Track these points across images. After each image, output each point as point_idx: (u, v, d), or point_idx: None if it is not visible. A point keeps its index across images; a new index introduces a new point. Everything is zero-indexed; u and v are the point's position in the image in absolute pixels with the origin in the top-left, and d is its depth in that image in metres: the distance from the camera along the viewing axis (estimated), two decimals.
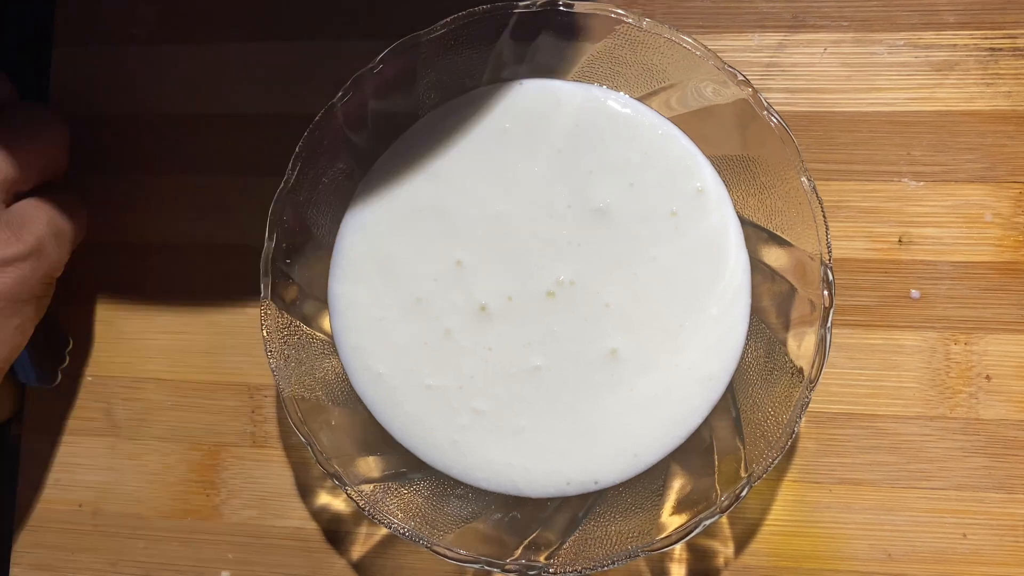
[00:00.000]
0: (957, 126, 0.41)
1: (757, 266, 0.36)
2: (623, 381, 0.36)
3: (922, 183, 0.41)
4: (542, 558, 0.35)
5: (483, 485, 0.36)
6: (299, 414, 0.36)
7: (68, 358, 0.44)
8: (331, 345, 0.38)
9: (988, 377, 0.39)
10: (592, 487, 0.36)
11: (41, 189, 0.39)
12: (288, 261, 0.37)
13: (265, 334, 0.36)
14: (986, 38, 0.41)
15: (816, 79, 0.42)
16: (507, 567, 0.34)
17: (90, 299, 0.45)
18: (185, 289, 0.44)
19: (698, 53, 0.35)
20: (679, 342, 0.36)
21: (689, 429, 0.36)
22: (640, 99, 0.37)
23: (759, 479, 0.34)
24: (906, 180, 0.41)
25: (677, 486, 0.36)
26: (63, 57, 0.47)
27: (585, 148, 0.37)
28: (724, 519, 0.40)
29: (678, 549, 0.40)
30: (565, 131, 0.37)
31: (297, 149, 0.37)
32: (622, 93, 0.37)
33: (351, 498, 0.35)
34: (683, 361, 0.36)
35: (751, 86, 0.35)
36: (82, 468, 0.44)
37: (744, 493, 0.34)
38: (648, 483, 0.36)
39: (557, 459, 0.36)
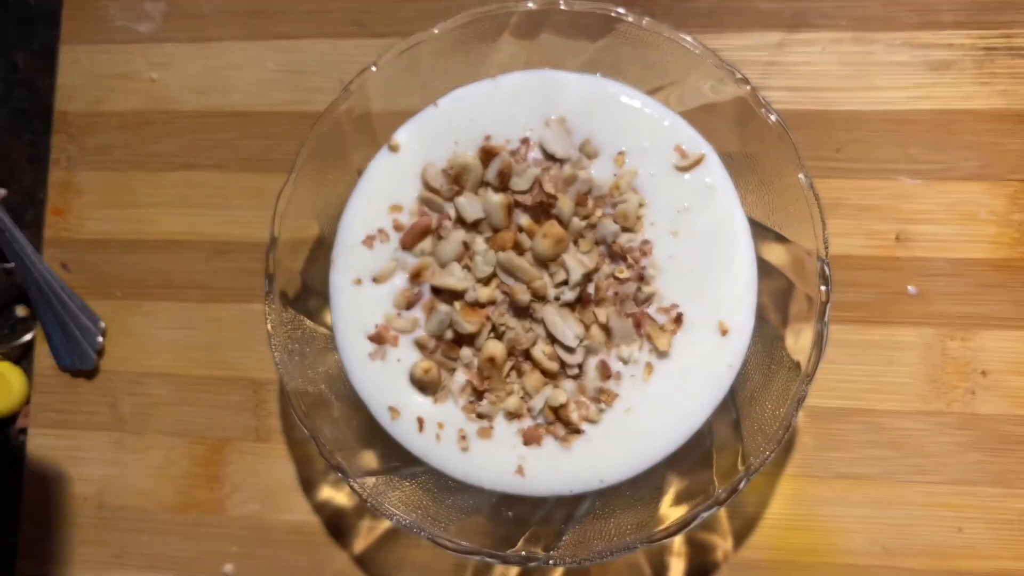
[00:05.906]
0: (954, 124, 0.41)
1: (757, 263, 0.37)
2: (633, 379, 0.36)
3: (919, 180, 0.41)
4: (542, 550, 0.35)
5: (487, 486, 0.36)
6: (303, 408, 0.36)
7: (103, 341, 0.45)
8: (333, 340, 0.38)
9: (984, 373, 0.40)
10: (597, 485, 0.36)
11: None
12: (292, 256, 0.38)
13: (270, 328, 0.37)
14: (982, 37, 0.41)
15: (816, 78, 0.42)
16: (508, 559, 0.35)
17: (94, 295, 0.45)
18: (189, 285, 0.45)
19: (697, 51, 0.36)
20: (688, 339, 0.36)
21: (695, 425, 0.35)
22: None
23: (756, 472, 0.34)
24: (903, 178, 0.41)
25: (676, 480, 0.36)
26: (69, 54, 0.48)
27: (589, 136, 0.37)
28: (723, 514, 0.40)
29: (678, 544, 0.40)
30: (573, 121, 0.37)
31: (301, 146, 0.37)
32: (632, 88, 0.37)
33: (354, 490, 0.36)
34: (691, 358, 0.35)
35: (749, 83, 0.36)
36: (87, 462, 0.44)
37: (742, 486, 0.34)
38: (648, 478, 0.36)
39: (564, 458, 0.36)
